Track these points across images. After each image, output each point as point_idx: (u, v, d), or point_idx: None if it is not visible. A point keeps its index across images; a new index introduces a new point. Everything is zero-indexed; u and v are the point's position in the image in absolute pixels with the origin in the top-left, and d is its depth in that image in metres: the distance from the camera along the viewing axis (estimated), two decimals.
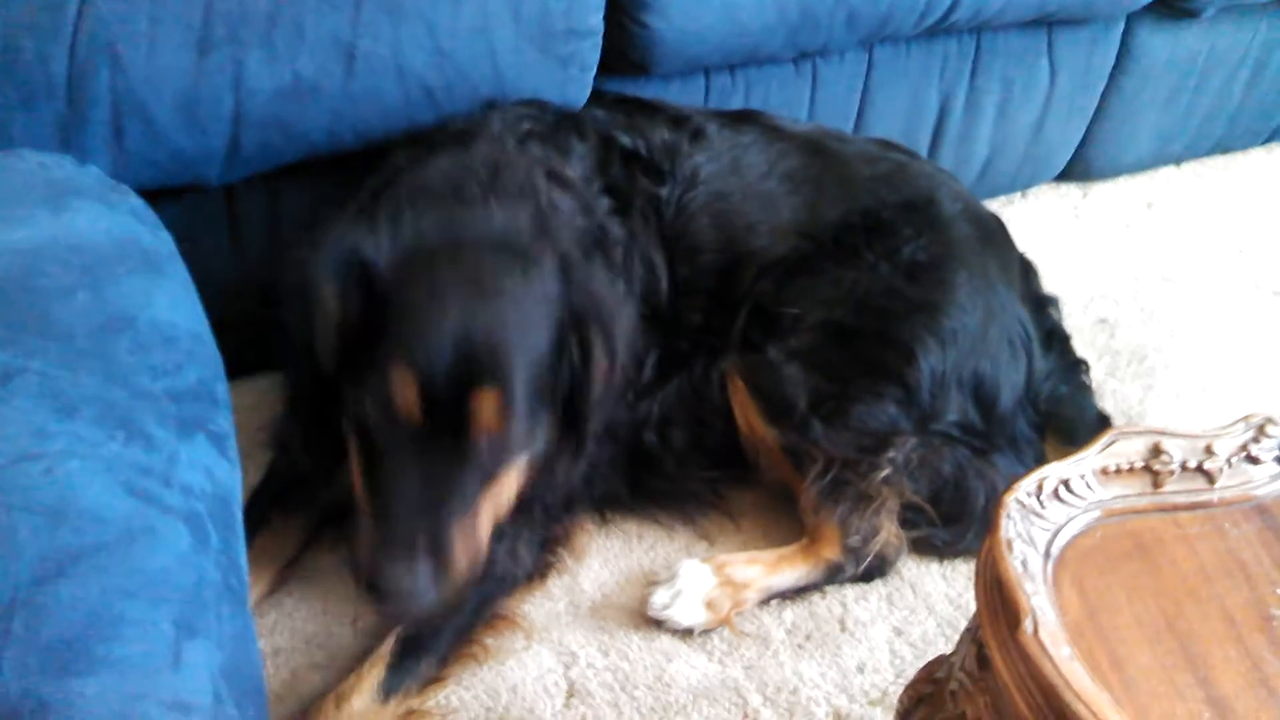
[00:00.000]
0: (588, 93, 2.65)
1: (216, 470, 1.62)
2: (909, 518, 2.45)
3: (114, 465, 1.46)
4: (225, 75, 2.29)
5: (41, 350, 1.55)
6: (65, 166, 1.96)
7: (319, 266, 1.92)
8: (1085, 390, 2.71)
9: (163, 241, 1.92)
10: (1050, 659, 1.39)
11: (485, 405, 1.84)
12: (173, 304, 1.79)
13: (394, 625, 2.15)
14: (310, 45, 2.31)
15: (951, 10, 2.98)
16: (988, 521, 1.50)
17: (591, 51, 2.60)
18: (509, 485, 1.99)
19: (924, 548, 2.52)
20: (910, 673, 2.29)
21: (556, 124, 2.42)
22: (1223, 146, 3.98)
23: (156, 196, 2.15)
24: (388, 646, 2.14)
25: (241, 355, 2.24)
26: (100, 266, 1.73)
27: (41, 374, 1.51)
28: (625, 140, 2.46)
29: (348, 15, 2.33)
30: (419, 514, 1.82)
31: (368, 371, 1.86)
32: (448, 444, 1.85)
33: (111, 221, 1.85)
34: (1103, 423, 2.67)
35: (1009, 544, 1.52)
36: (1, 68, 2.16)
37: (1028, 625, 1.41)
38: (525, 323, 1.93)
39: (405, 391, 1.83)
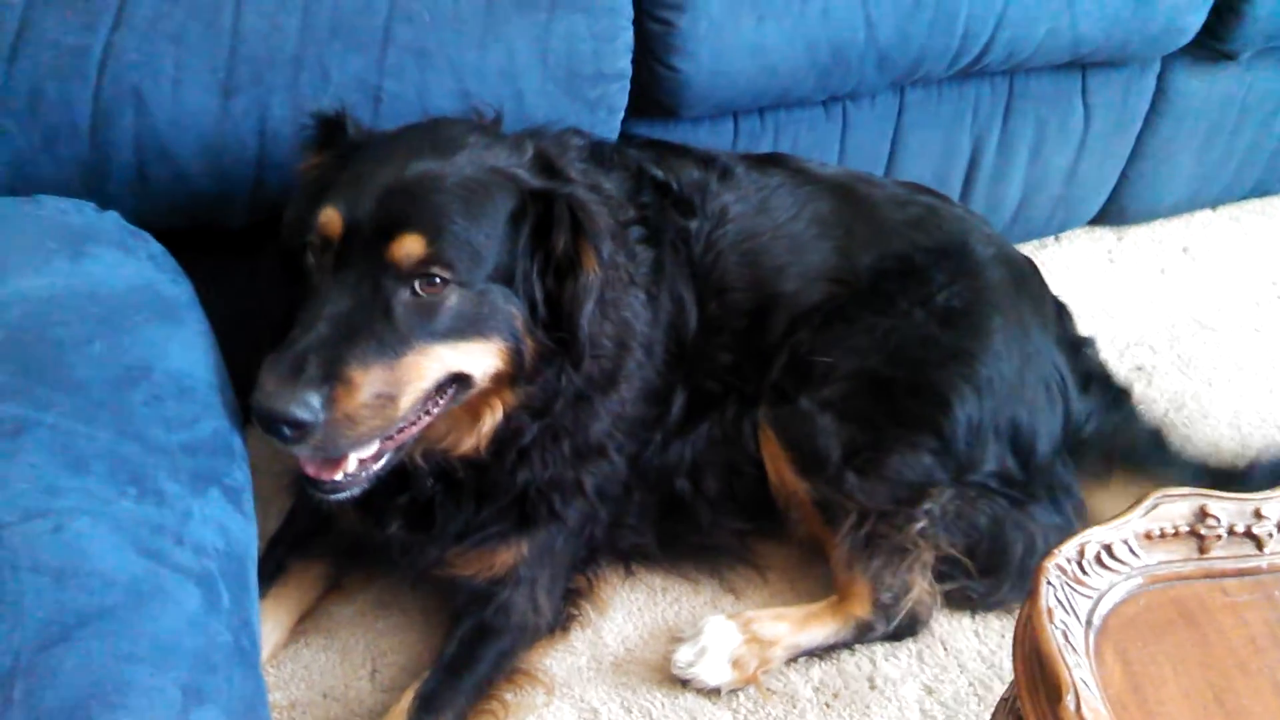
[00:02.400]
0: (615, 135, 2.63)
1: (231, 526, 1.59)
2: (944, 570, 2.39)
3: (125, 523, 1.43)
4: (250, 119, 2.28)
5: (54, 402, 1.52)
6: (85, 212, 1.95)
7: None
8: (1134, 415, 2.65)
9: (182, 289, 1.90)
10: None
11: (404, 248, 1.80)
12: (190, 353, 1.76)
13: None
14: (336, 88, 2.29)
15: (984, 53, 2.94)
16: (1025, 574, 1.45)
17: (620, 94, 2.58)
18: (461, 359, 1.89)
19: (956, 601, 2.46)
20: None
21: (594, 149, 2.40)
22: (1260, 189, 3.91)
23: (178, 239, 2.13)
24: (406, 702, 2.10)
25: None
26: (117, 316, 1.71)
27: (53, 427, 1.49)
28: (657, 173, 2.44)
29: (374, 58, 2.32)
30: (320, 346, 1.75)
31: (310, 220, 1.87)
32: (368, 289, 1.80)
33: (130, 269, 1.83)
34: (1158, 436, 2.61)
35: (1050, 613, 1.47)
36: (25, 111, 2.18)
37: (1070, 701, 1.36)
38: (472, 186, 1.89)
39: (331, 222, 1.82)
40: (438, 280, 1.83)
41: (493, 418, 2.02)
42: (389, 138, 2.00)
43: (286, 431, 1.73)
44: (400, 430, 1.89)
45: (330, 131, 2.05)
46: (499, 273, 1.91)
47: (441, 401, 1.92)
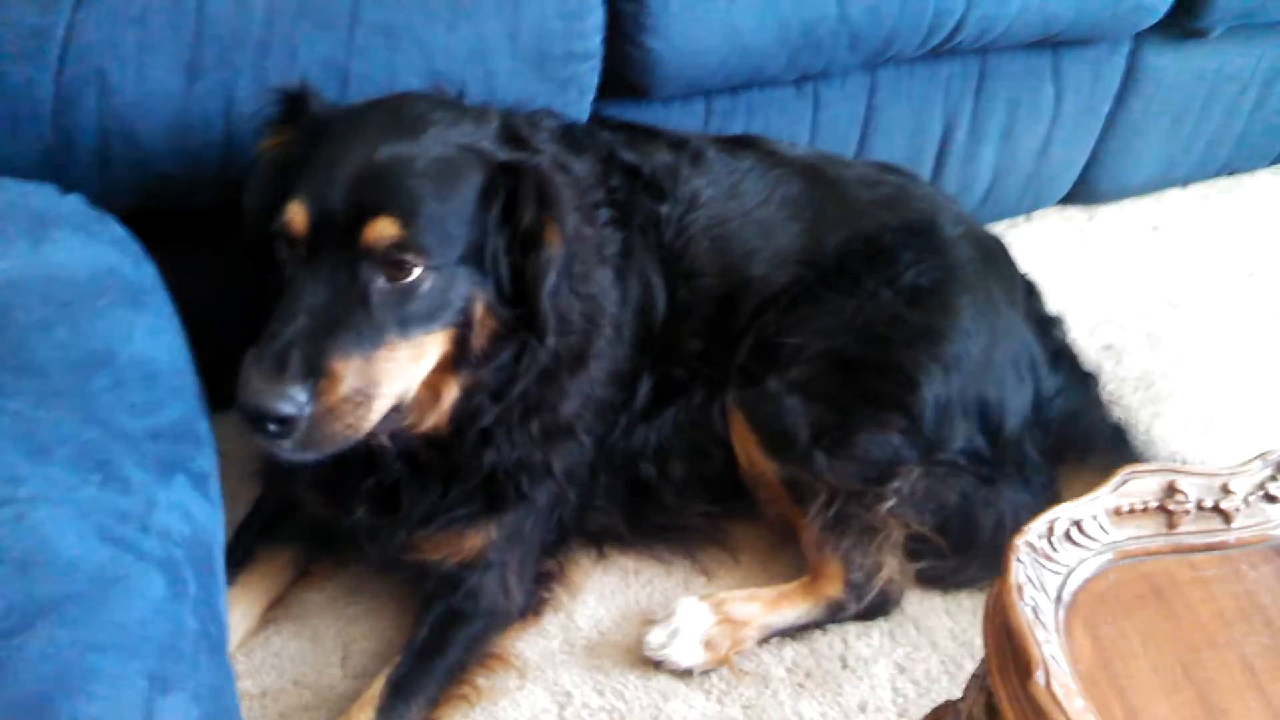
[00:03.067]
0: (587, 116, 2.61)
1: (197, 512, 1.57)
2: (914, 549, 2.40)
3: (88, 510, 1.41)
4: (216, 100, 2.25)
5: (15, 389, 1.50)
6: (47, 195, 1.91)
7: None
8: (1097, 403, 2.67)
9: (146, 273, 1.87)
10: (1063, 711, 1.34)
11: (378, 235, 1.78)
12: (154, 338, 1.74)
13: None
14: (303, 68, 2.26)
15: (955, 31, 2.94)
16: (995, 551, 1.45)
17: (590, 74, 2.56)
18: (432, 342, 1.88)
19: (927, 580, 2.47)
20: (914, 711, 2.24)
21: (565, 131, 2.38)
22: (1229, 168, 3.93)
23: (143, 222, 2.11)
24: (377, 688, 2.09)
25: (229, 387, 2.19)
26: (79, 300, 1.68)
27: (15, 414, 1.47)
28: (628, 156, 2.42)
29: (341, 38, 2.29)
30: (301, 339, 1.74)
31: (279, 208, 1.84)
32: (343, 279, 1.79)
33: (92, 253, 1.80)
34: (1119, 434, 2.63)
35: (1019, 589, 1.47)
36: None
37: (1039, 676, 1.36)
38: (441, 165, 1.87)
39: (296, 218, 1.80)
40: (410, 265, 1.81)
41: (450, 395, 2.00)
42: (353, 116, 1.96)
43: (273, 428, 1.72)
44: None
45: (293, 107, 2.01)
46: (469, 252, 1.89)
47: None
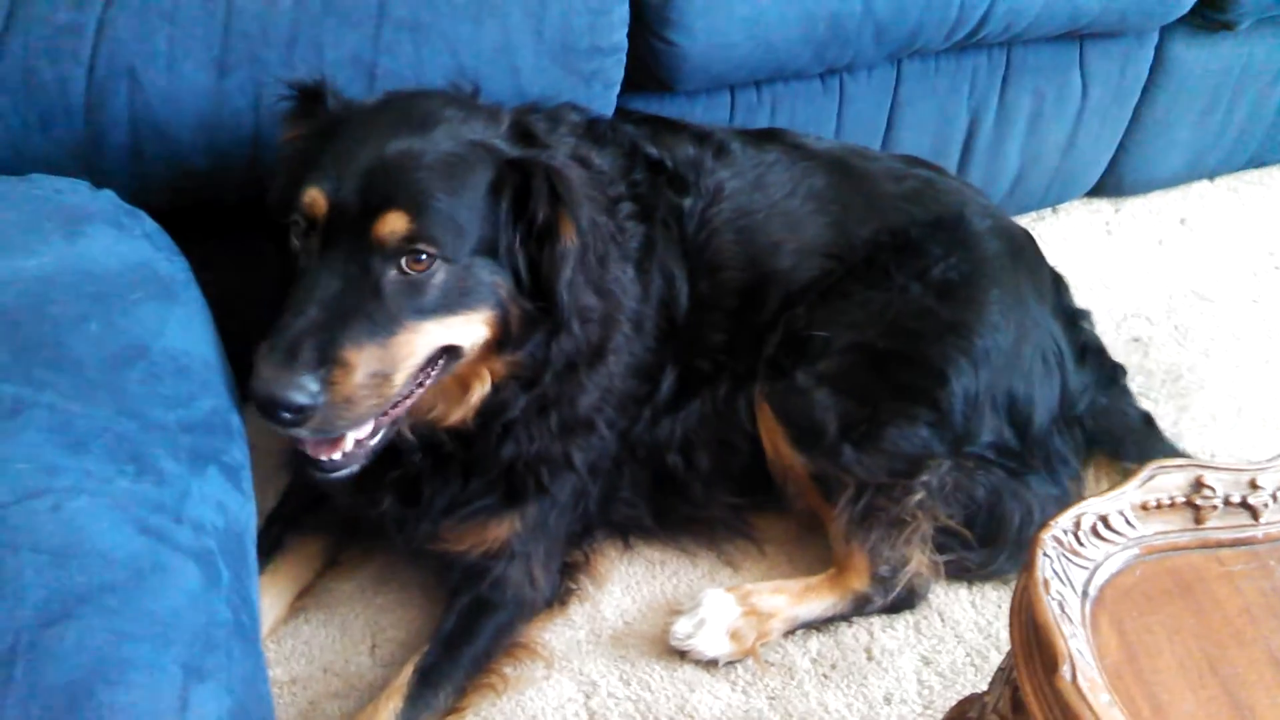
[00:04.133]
0: (612, 110, 2.61)
1: (229, 504, 1.59)
2: (941, 542, 2.40)
3: (124, 502, 1.43)
4: (246, 96, 2.27)
5: (51, 382, 1.52)
6: (80, 191, 1.94)
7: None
8: (1125, 395, 2.66)
9: (178, 267, 1.90)
10: (1089, 706, 1.34)
11: (390, 229, 1.81)
12: (187, 331, 1.76)
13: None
14: (331, 65, 2.28)
15: (982, 24, 2.92)
16: (1022, 545, 1.45)
17: (615, 68, 2.57)
18: (451, 333, 1.91)
19: (953, 573, 2.46)
20: (939, 704, 2.25)
21: (589, 125, 2.39)
22: (1258, 160, 3.90)
23: (174, 217, 2.13)
24: (405, 676, 2.11)
25: None
26: (113, 294, 1.70)
27: (51, 407, 1.49)
28: (651, 150, 2.43)
29: (368, 34, 2.31)
30: (313, 329, 1.76)
31: (292, 200, 1.87)
32: (355, 270, 1.81)
33: (125, 247, 1.82)
34: (1149, 425, 2.62)
35: (1046, 584, 1.47)
36: (19, 91, 2.16)
37: (1065, 671, 1.37)
38: (452, 160, 1.90)
39: (318, 202, 1.82)
40: (424, 257, 1.83)
41: (481, 389, 2.03)
42: (368, 112, 1.99)
43: (286, 416, 1.74)
44: (394, 406, 1.89)
45: (309, 102, 2.04)
46: (483, 245, 1.91)
47: (433, 374, 1.93)
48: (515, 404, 2.07)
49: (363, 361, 1.78)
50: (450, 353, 1.93)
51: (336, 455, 1.89)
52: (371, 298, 1.81)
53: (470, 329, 1.92)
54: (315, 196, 1.83)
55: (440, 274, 1.85)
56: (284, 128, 2.08)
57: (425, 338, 1.87)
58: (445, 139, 1.92)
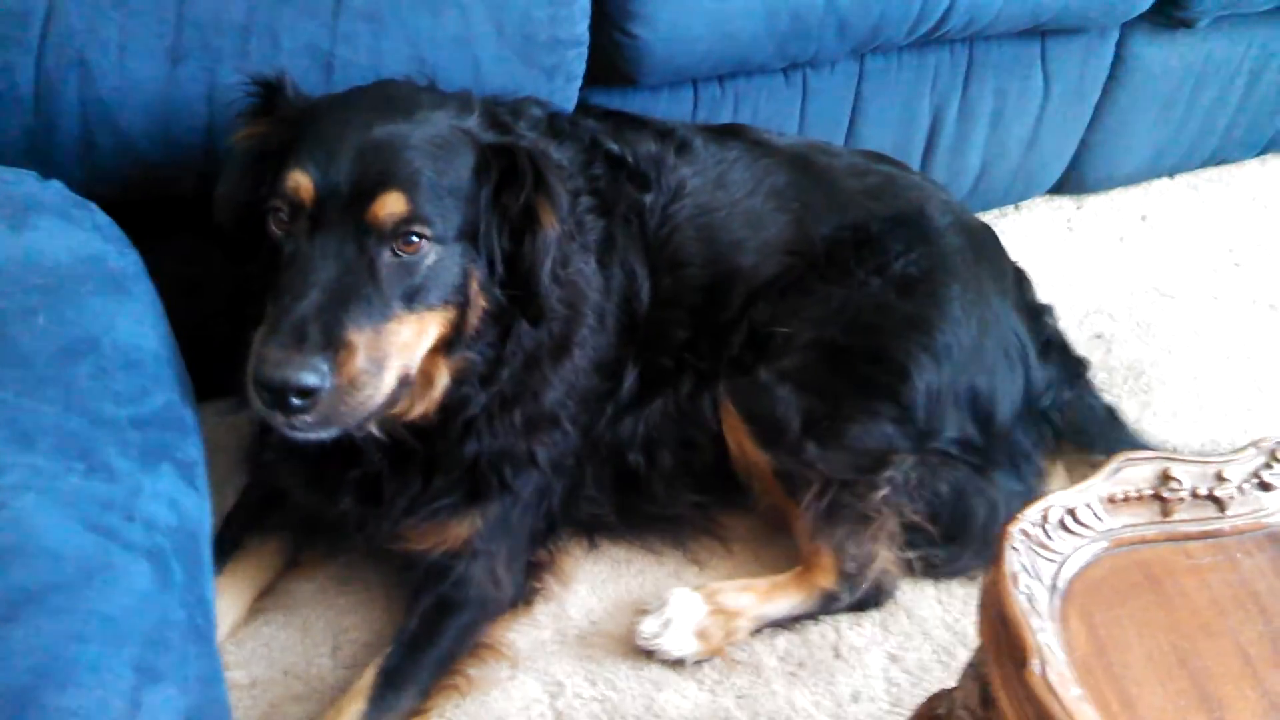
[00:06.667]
0: (574, 103, 2.59)
1: (183, 501, 1.55)
2: (907, 538, 2.39)
3: (72, 499, 1.38)
4: (198, 85, 2.23)
5: None
6: (27, 182, 1.89)
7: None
8: (1089, 389, 2.67)
9: (129, 260, 1.85)
10: (1058, 700, 1.33)
11: (388, 210, 1.81)
12: (138, 326, 1.72)
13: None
14: (287, 54, 2.24)
15: (944, 20, 2.93)
16: (987, 541, 1.44)
17: (577, 62, 2.54)
18: (433, 319, 1.90)
19: (920, 570, 2.46)
20: (907, 701, 2.24)
21: (551, 120, 2.38)
22: (1218, 158, 3.93)
23: (126, 210, 2.08)
24: (368, 678, 2.07)
25: (218, 375, 2.16)
26: (62, 287, 1.66)
27: None
28: (611, 146, 2.41)
29: (325, 24, 2.27)
30: (316, 312, 1.74)
31: (275, 186, 1.84)
32: (351, 252, 1.80)
33: (75, 240, 1.78)
34: (1112, 416, 2.64)
35: (1014, 577, 1.46)
36: None
37: (1035, 665, 1.36)
38: (438, 143, 1.90)
39: (303, 186, 1.80)
40: (415, 238, 1.83)
41: (442, 382, 2.01)
42: (341, 100, 1.97)
43: (295, 402, 1.72)
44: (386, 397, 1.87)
45: (269, 97, 2.01)
46: (466, 229, 1.91)
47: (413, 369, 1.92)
48: (476, 399, 2.05)
49: (363, 344, 1.77)
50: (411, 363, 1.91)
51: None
52: (368, 280, 1.80)
53: (439, 318, 1.91)
54: (300, 181, 1.81)
55: (431, 257, 1.85)
56: (241, 123, 2.03)
57: (415, 324, 1.86)
58: (427, 123, 1.91)
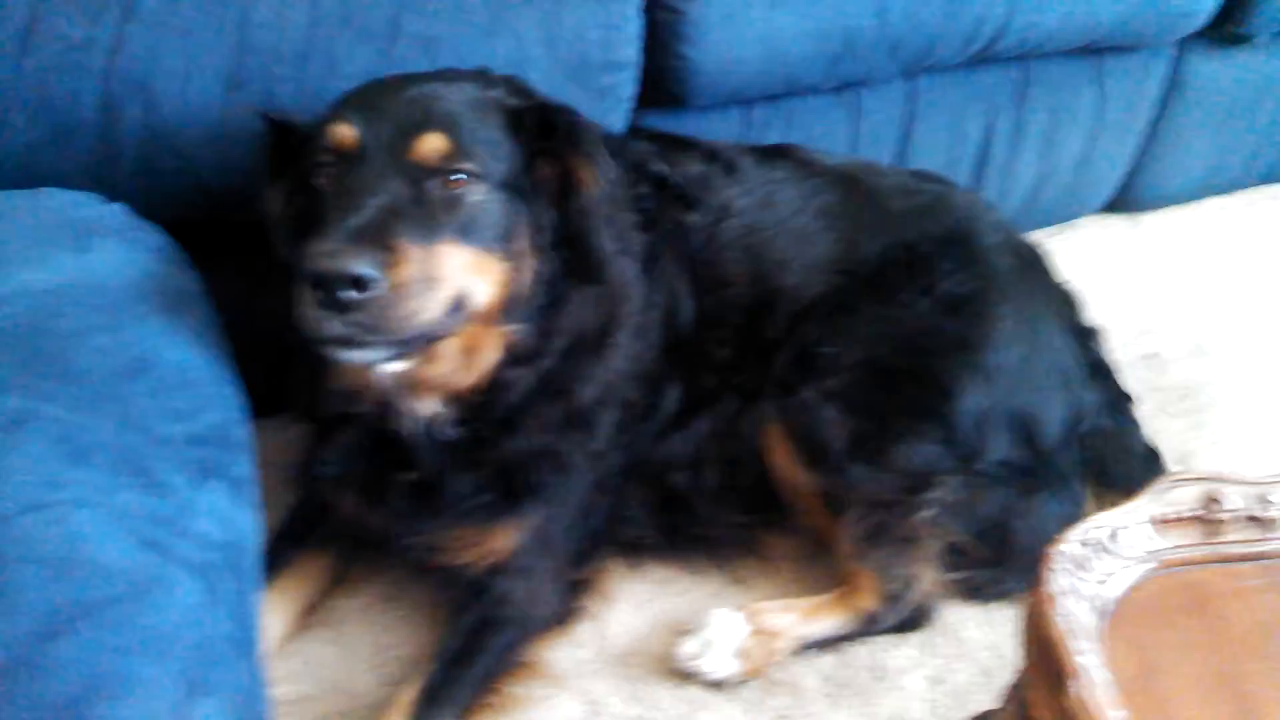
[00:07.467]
0: (624, 125, 2.61)
1: (234, 517, 1.59)
2: (951, 560, 2.37)
3: (126, 515, 1.42)
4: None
5: (56, 394, 1.52)
6: (91, 205, 1.95)
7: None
8: (1132, 425, 2.61)
9: (188, 280, 1.90)
10: None
11: (431, 148, 1.87)
12: (194, 344, 1.76)
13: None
14: (344, 80, 2.27)
15: (997, 38, 2.91)
16: (1031, 562, 1.43)
17: (628, 84, 2.57)
18: (488, 264, 1.93)
19: (963, 591, 2.44)
20: None
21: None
22: (1276, 175, 3.85)
23: (187, 231, 2.13)
24: (409, 695, 2.09)
25: (270, 394, 2.21)
26: (120, 307, 1.71)
27: (55, 419, 1.49)
28: (657, 167, 2.43)
29: (381, 50, 2.31)
30: (368, 223, 1.77)
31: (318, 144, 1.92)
32: (397, 186, 1.84)
33: (135, 261, 1.83)
34: (1151, 458, 2.56)
35: (1056, 599, 1.45)
36: (33, 105, 2.17)
37: (1073, 687, 1.34)
38: (472, 101, 1.97)
39: (345, 134, 1.87)
40: (461, 175, 1.88)
41: (490, 354, 2.03)
42: (368, 81, 2.06)
43: (349, 295, 1.71)
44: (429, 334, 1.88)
45: (282, 139, 2.05)
46: (510, 180, 1.96)
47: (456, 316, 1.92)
48: (519, 382, 2.08)
49: (414, 256, 1.80)
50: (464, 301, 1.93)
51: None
52: (414, 206, 1.84)
53: (493, 266, 1.94)
54: (343, 129, 1.88)
55: (477, 194, 1.90)
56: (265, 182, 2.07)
57: (461, 256, 1.89)
58: (457, 87, 1.99)
